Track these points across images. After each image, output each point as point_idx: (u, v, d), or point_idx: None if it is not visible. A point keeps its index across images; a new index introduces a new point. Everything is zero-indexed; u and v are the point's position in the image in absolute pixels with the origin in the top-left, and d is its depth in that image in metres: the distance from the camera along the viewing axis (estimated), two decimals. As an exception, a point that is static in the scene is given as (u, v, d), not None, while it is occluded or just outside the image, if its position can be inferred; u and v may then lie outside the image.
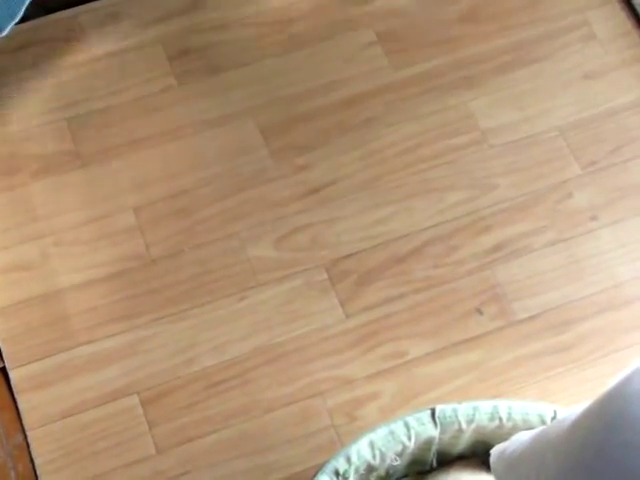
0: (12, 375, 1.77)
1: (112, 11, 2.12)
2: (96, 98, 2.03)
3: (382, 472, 1.57)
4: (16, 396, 1.76)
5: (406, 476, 1.63)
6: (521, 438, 1.28)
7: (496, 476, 1.33)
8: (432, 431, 1.55)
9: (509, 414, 1.55)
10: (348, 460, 1.51)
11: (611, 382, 1.07)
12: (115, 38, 2.09)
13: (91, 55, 2.07)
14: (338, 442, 1.74)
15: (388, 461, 1.54)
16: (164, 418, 1.76)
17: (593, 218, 1.95)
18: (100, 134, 1.99)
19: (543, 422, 1.54)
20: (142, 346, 1.81)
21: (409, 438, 1.53)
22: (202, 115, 2.02)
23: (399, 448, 1.54)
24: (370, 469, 1.54)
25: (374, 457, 1.52)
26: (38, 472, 1.71)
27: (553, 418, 1.54)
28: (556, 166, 1.99)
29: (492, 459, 1.35)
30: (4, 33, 1.92)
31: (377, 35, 2.12)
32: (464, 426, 1.55)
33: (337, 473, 1.50)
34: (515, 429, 1.53)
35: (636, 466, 0.95)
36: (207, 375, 1.78)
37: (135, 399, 1.77)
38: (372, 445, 1.53)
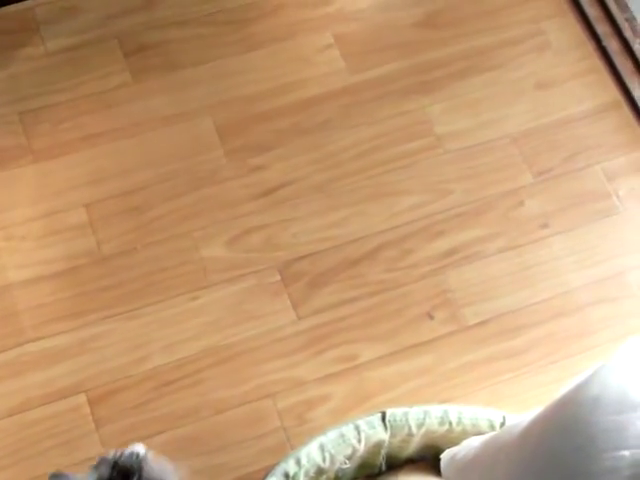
0: (-43, 371, 1.74)
1: (69, 5, 2.09)
2: (50, 92, 2.00)
3: (331, 475, 1.57)
4: (-39, 393, 1.73)
5: (355, 479, 1.63)
6: (472, 443, 1.30)
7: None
8: (382, 434, 1.55)
9: (459, 419, 1.56)
10: (298, 463, 1.51)
11: (563, 388, 1.08)
12: (71, 32, 2.06)
13: (46, 49, 2.04)
14: (288, 444, 1.73)
15: (338, 464, 1.55)
16: (112, 417, 1.73)
17: (544, 226, 1.97)
18: (53, 129, 1.96)
19: (492, 427, 1.55)
20: (92, 344, 1.78)
21: (359, 441, 1.54)
22: (158, 112, 2.01)
23: (349, 451, 1.54)
24: (320, 472, 1.54)
25: (324, 460, 1.52)
26: (-20, 471, 1.68)
27: (502, 424, 1.56)
28: (509, 173, 2.01)
29: (443, 463, 1.36)
30: (-43, 23, 1.89)
31: (335, 38, 2.13)
32: (414, 430, 1.56)
33: (287, 476, 1.50)
34: (464, 434, 1.54)
35: (584, 470, 0.96)
36: (157, 375, 1.77)
37: (83, 397, 1.74)
38: (322, 448, 1.53)
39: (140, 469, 1.28)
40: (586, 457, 0.96)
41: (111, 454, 1.31)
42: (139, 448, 1.32)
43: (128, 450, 1.31)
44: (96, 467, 1.30)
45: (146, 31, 2.08)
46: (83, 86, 2.01)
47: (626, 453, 0.94)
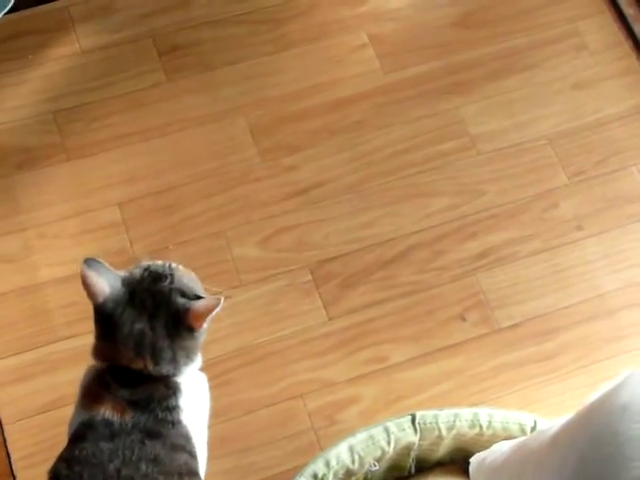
0: (-9, 368, 1.76)
1: (103, 3, 2.11)
2: (84, 91, 2.01)
3: (360, 477, 1.57)
4: (-6, 389, 1.75)
5: (384, 481, 1.63)
6: (501, 448, 1.29)
7: (475, 485, 1.33)
8: (412, 437, 1.55)
9: (489, 422, 1.55)
10: (327, 464, 1.51)
11: (594, 395, 1.07)
12: (105, 31, 2.08)
13: (81, 47, 2.06)
14: (318, 445, 1.73)
15: (367, 466, 1.54)
16: (143, 416, 1.74)
17: (578, 228, 1.95)
18: (87, 128, 1.98)
19: (523, 431, 1.54)
20: (123, 343, 1.79)
21: (388, 443, 1.53)
22: (191, 112, 2.01)
23: (378, 453, 1.53)
24: (349, 474, 1.54)
25: (353, 462, 1.52)
26: (14, 467, 1.69)
27: (533, 428, 1.55)
28: (543, 175, 2.00)
29: (471, 468, 1.35)
30: (-6, 23, 1.91)
31: (369, 37, 2.12)
32: (444, 433, 1.55)
33: (316, 477, 1.50)
34: (495, 437, 1.53)
35: (615, 478, 0.95)
36: (188, 374, 1.77)
37: (114, 396, 1.75)
38: (351, 450, 1.52)
39: (172, 275, 1.32)
40: (615, 466, 0.95)
41: (145, 262, 1.35)
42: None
43: (161, 261, 1.36)
44: (132, 268, 1.34)
45: (180, 31, 2.09)
46: (117, 85, 2.02)
47: (655, 462, 0.93)
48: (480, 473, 1.31)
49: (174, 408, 1.28)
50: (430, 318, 1.85)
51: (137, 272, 1.32)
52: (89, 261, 1.28)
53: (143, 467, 1.22)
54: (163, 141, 1.98)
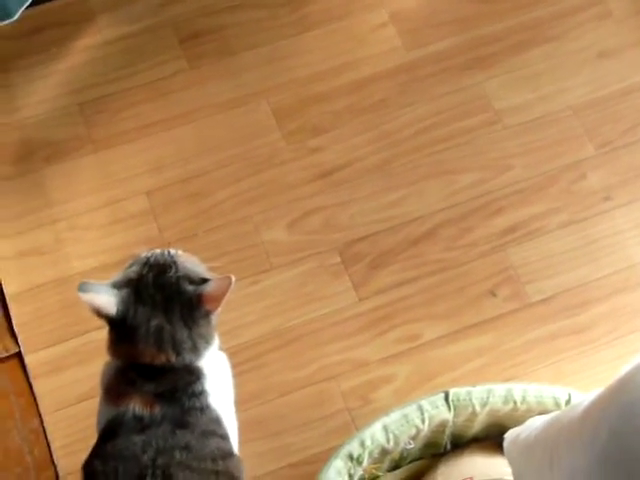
0: (27, 360, 1.78)
1: (123, -6, 2.12)
2: (108, 82, 2.03)
3: (396, 456, 1.58)
4: (32, 381, 1.77)
5: (421, 459, 1.64)
6: (535, 423, 1.29)
7: (510, 460, 1.34)
8: (446, 414, 1.55)
9: (523, 397, 1.55)
10: (362, 444, 1.52)
11: (623, 368, 1.07)
12: (126, 21, 2.09)
13: (102, 39, 2.07)
14: (353, 425, 1.74)
15: (402, 445, 1.55)
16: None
17: (607, 198, 1.94)
18: (112, 118, 1.99)
19: (557, 405, 1.54)
20: (156, 330, 1.81)
21: (423, 421, 1.54)
22: (214, 98, 2.02)
23: (413, 432, 1.54)
24: (384, 453, 1.55)
25: (388, 441, 1.53)
26: (54, 456, 1.72)
27: (568, 401, 1.54)
28: (570, 146, 1.98)
29: (506, 444, 1.35)
30: (14, 17, 1.92)
31: (390, 15, 2.11)
32: (478, 409, 1.55)
33: (351, 457, 1.51)
34: (529, 412, 1.53)
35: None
36: (221, 359, 1.79)
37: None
38: (386, 429, 1.53)
39: (175, 263, 1.30)
40: (647, 439, 0.95)
41: (143, 254, 1.33)
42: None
43: (159, 249, 1.34)
44: (128, 267, 1.32)
45: (200, 17, 2.10)
46: (140, 75, 2.03)
47: (688, 434, 0.93)
48: (514, 449, 1.31)
49: (201, 393, 1.29)
50: (460, 295, 1.85)
51: (137, 269, 1.30)
52: (82, 286, 1.25)
53: (177, 455, 1.23)
54: (188, 128, 1.99)
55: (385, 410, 1.56)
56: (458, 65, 2.06)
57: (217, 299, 1.28)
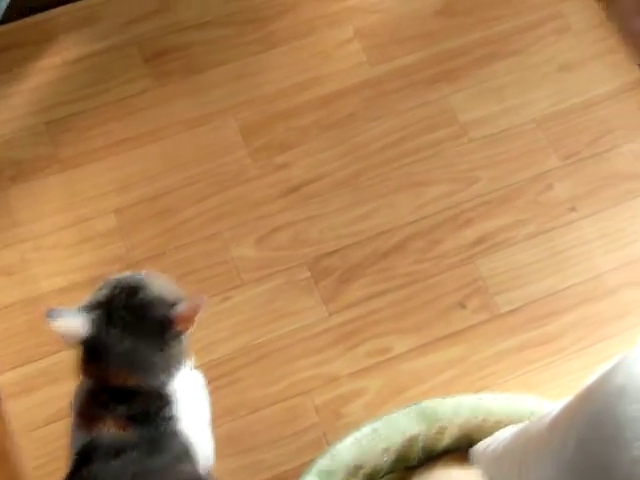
0: (-3, 381, 1.77)
1: (88, 13, 2.11)
2: (74, 101, 2.02)
3: (368, 470, 1.58)
4: (1, 402, 1.76)
5: (393, 472, 1.64)
6: (504, 434, 1.30)
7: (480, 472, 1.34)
8: (417, 427, 1.55)
9: (492, 408, 1.55)
10: (334, 459, 1.51)
11: (591, 377, 1.08)
12: (91, 40, 2.08)
13: (68, 57, 2.07)
14: (325, 440, 1.74)
15: (375, 459, 1.55)
16: (150, 420, 1.75)
17: (573, 209, 1.96)
18: (79, 137, 1.99)
19: (526, 416, 1.55)
20: (126, 349, 1.80)
21: (394, 435, 1.54)
22: (181, 116, 2.02)
23: (385, 445, 1.54)
24: (357, 467, 1.54)
25: (360, 455, 1.53)
26: (29, 477, 1.70)
27: (536, 411, 1.55)
28: (536, 158, 2.00)
29: (475, 456, 1.36)
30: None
31: (354, 31, 2.13)
32: (448, 421, 1.55)
33: (324, 473, 1.51)
34: (499, 423, 1.54)
35: (615, 459, 0.96)
36: (192, 376, 1.78)
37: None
38: (358, 443, 1.53)
39: (146, 284, 1.30)
40: (615, 447, 0.96)
41: (113, 276, 1.33)
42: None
43: (129, 272, 1.33)
44: (98, 290, 1.31)
45: (166, 35, 2.10)
46: (106, 93, 2.03)
47: (654, 441, 0.94)
48: (483, 461, 1.32)
49: (171, 418, 1.28)
50: (430, 307, 1.86)
51: (107, 291, 1.29)
52: (50, 313, 1.24)
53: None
54: (155, 147, 1.99)
55: (357, 424, 1.56)
56: (423, 79, 2.07)
57: (189, 319, 1.28)
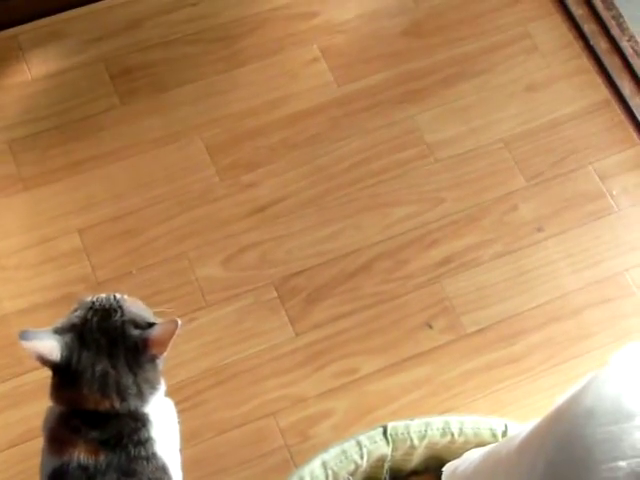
0: (-43, 404, 1.74)
1: (52, 30, 2.09)
2: (38, 119, 2.00)
3: (336, 492, 1.57)
4: (-38, 426, 1.73)
5: (360, 494, 1.63)
6: (473, 456, 1.29)
7: (449, 494, 1.34)
8: (384, 449, 1.55)
9: (460, 429, 1.55)
10: (301, 482, 1.50)
11: (559, 399, 1.08)
12: (56, 58, 2.06)
13: (32, 75, 2.04)
14: (292, 462, 1.72)
15: (341, 481, 1.54)
16: (114, 443, 1.73)
17: (539, 229, 1.96)
18: (43, 156, 1.96)
19: (495, 436, 1.55)
20: (90, 371, 1.77)
21: (361, 457, 1.53)
22: (147, 134, 2.01)
23: (352, 467, 1.53)
24: (324, 489, 1.53)
25: (327, 477, 1.52)
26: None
27: (504, 432, 1.55)
28: (501, 178, 2.01)
29: (444, 477, 1.36)
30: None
31: (321, 50, 2.13)
32: (416, 442, 1.55)
33: (290, 495, 1.49)
34: (467, 444, 1.54)
35: (585, 482, 0.96)
36: (157, 398, 1.76)
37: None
38: (325, 465, 1.52)
39: (120, 307, 1.28)
40: (584, 469, 0.95)
41: (88, 298, 1.31)
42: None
43: (104, 294, 1.31)
44: (72, 311, 1.30)
45: (132, 53, 2.08)
46: (70, 112, 2.01)
47: (623, 464, 0.93)
48: (453, 482, 1.32)
49: (147, 441, 1.26)
50: (397, 328, 1.85)
51: (81, 313, 1.28)
52: (23, 334, 1.22)
53: None
54: (120, 165, 1.97)
55: (324, 446, 1.55)
56: (390, 99, 2.08)
57: (163, 343, 1.26)
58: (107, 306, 1.28)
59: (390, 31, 2.15)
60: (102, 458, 1.23)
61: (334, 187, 1.98)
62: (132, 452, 1.25)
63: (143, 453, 1.26)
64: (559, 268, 1.93)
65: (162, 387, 1.33)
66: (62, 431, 1.27)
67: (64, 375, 1.26)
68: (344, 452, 1.53)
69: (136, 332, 1.26)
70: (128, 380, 1.26)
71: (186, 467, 1.63)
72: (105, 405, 1.25)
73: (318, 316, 1.85)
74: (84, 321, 1.27)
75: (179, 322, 1.25)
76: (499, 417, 1.62)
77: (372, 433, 1.55)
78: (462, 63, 2.12)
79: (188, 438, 1.71)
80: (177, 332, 1.25)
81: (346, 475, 1.54)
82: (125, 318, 1.27)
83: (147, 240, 1.90)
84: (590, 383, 1.00)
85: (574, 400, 1.00)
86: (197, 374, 1.79)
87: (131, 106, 2.03)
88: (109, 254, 1.88)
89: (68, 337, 1.25)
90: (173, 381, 1.77)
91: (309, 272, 1.89)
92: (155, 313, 1.35)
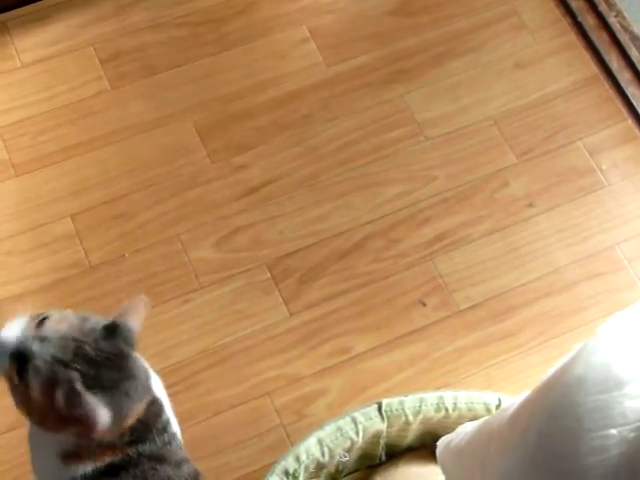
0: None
1: (41, 15, 2.09)
2: (28, 105, 2.00)
3: (332, 469, 1.58)
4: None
5: (357, 471, 1.64)
6: (466, 429, 1.30)
7: (442, 467, 1.35)
8: (379, 425, 1.56)
9: (454, 404, 1.57)
10: (297, 459, 1.51)
11: (550, 370, 1.09)
12: (45, 43, 2.06)
13: (21, 61, 2.04)
14: (288, 441, 1.73)
15: (337, 458, 1.55)
16: (111, 426, 1.73)
17: (530, 205, 1.97)
18: (33, 141, 1.96)
19: (488, 410, 1.56)
20: (86, 354, 1.78)
21: (357, 433, 1.54)
22: (137, 118, 2.01)
23: (347, 444, 1.54)
24: (320, 467, 1.55)
25: (323, 455, 1.53)
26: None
27: (498, 406, 1.56)
28: (492, 155, 2.01)
29: (438, 451, 1.36)
30: None
31: (310, 31, 2.12)
32: (411, 418, 1.56)
33: (287, 473, 1.51)
34: (461, 418, 1.55)
35: (575, 450, 0.97)
36: (153, 380, 1.77)
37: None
38: (320, 443, 1.53)
39: (79, 339, 1.18)
40: (574, 438, 0.96)
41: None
42: None
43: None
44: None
45: (121, 37, 2.08)
46: (61, 96, 2.01)
47: (614, 432, 0.94)
48: (447, 455, 1.33)
49: (167, 423, 1.26)
50: (390, 306, 1.86)
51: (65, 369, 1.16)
52: None
53: None
54: (111, 149, 1.97)
55: (319, 424, 1.56)
56: (379, 79, 2.08)
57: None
58: (69, 345, 1.17)
59: (378, 10, 2.15)
60: (132, 452, 1.21)
61: (325, 167, 1.98)
62: (159, 439, 1.23)
63: (167, 437, 1.25)
64: (550, 243, 1.94)
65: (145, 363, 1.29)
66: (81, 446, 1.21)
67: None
68: (339, 429, 1.54)
69: (114, 342, 1.19)
70: (137, 387, 1.21)
71: (184, 448, 1.64)
72: (128, 422, 1.21)
73: (312, 296, 1.86)
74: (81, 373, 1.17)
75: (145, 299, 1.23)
76: (493, 392, 1.63)
77: (367, 410, 1.56)
78: (450, 41, 2.13)
79: (185, 419, 1.72)
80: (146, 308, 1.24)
81: (342, 452, 1.55)
82: (92, 344, 1.18)
83: (139, 223, 1.90)
84: (580, 353, 1.01)
85: (564, 370, 1.01)
86: (192, 355, 1.80)
87: (121, 90, 2.03)
88: (102, 238, 1.88)
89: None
90: (168, 362, 1.78)
91: (302, 252, 1.90)
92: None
